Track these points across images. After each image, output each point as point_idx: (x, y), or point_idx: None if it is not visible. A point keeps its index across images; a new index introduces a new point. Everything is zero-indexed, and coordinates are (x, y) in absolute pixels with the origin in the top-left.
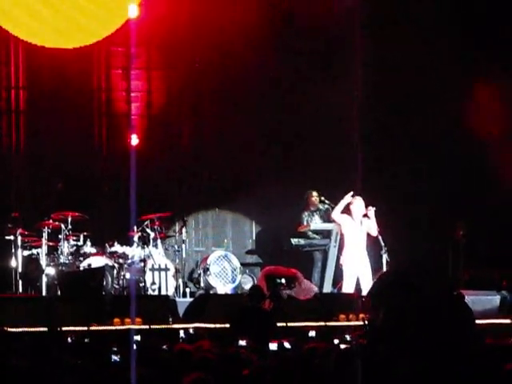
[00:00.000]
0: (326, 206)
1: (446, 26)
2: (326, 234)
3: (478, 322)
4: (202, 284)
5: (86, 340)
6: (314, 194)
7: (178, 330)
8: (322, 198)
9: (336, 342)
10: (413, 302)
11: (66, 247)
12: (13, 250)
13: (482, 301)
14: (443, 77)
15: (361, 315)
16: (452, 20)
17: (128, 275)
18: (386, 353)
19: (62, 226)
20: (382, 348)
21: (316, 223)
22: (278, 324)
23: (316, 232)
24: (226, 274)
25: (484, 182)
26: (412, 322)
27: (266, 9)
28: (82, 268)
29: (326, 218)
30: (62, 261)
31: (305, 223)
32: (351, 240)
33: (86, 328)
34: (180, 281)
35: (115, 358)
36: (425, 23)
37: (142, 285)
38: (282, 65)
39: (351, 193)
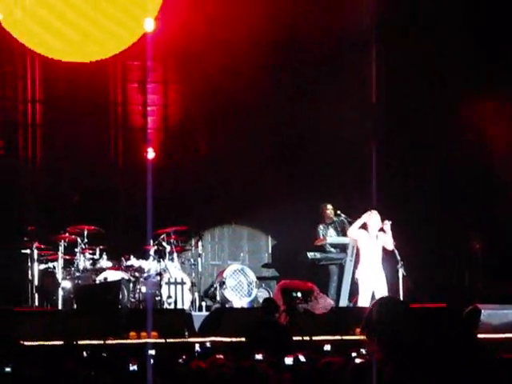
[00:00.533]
0: (342, 218)
1: (458, 38)
2: (343, 248)
3: (494, 336)
4: (218, 298)
5: (103, 354)
6: (329, 207)
7: (193, 343)
8: (338, 212)
9: (353, 355)
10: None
11: (82, 261)
12: (29, 264)
13: (498, 315)
14: (456, 85)
15: None
16: (463, 31)
17: (144, 289)
18: (391, 371)
19: (78, 239)
20: (388, 367)
21: (331, 236)
22: (294, 338)
23: (332, 246)
24: (242, 287)
25: (491, 191)
26: (413, 338)
27: (280, 21)
28: (98, 282)
29: (341, 229)
30: (78, 274)
31: (321, 236)
32: (367, 254)
33: (102, 342)
34: (196, 294)
35: (133, 367)
36: (435, 32)
37: (158, 298)
38: (297, 76)
39: (368, 212)
